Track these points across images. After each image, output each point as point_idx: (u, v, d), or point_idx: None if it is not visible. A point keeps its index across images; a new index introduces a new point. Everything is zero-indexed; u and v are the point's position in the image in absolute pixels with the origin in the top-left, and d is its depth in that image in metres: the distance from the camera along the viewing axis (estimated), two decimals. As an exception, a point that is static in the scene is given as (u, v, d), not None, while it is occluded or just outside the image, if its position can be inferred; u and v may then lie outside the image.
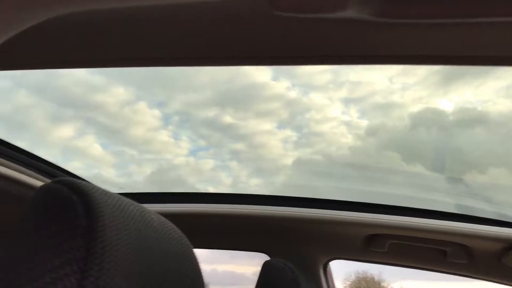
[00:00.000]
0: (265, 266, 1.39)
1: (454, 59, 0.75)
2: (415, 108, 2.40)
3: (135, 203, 0.60)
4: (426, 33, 0.69)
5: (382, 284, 2.84)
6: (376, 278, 2.82)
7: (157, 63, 0.87)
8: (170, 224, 0.66)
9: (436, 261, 1.62)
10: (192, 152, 2.77)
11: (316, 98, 2.56)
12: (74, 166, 2.76)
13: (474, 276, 1.61)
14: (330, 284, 1.75)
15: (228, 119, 2.67)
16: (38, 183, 1.47)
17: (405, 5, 0.61)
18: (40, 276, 0.45)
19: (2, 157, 1.36)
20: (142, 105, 2.67)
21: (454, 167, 2.30)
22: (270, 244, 1.80)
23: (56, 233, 0.47)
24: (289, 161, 2.70)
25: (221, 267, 2.97)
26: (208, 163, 2.81)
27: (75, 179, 0.52)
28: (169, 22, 0.74)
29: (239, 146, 2.80)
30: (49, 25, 0.51)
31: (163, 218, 0.65)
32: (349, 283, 2.86)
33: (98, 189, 0.53)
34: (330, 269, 1.79)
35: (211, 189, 2.87)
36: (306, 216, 1.65)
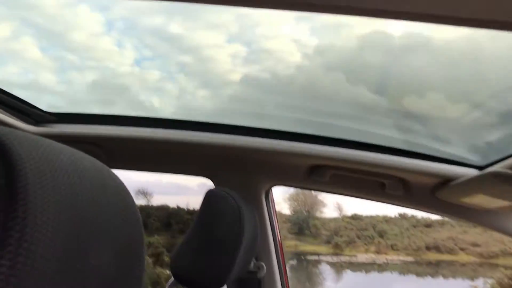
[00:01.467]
0: (208, 194, 1.37)
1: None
2: (365, 30, 2.40)
3: (66, 149, 0.52)
4: None
5: (319, 198, 2.99)
6: (313, 192, 2.97)
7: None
8: (106, 171, 0.60)
9: (374, 192, 1.73)
10: (137, 62, 2.69)
11: (268, 13, 2.49)
12: (9, 70, 2.62)
13: (409, 206, 1.75)
14: (272, 209, 1.84)
15: (175, 28, 2.57)
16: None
17: None
18: None
19: None
20: (83, 8, 2.52)
21: (395, 91, 2.37)
22: (215, 170, 1.84)
23: None
24: (236, 77, 2.68)
25: (165, 178, 3.02)
26: (154, 74, 2.75)
27: None
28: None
29: (186, 58, 2.73)
30: None
31: (98, 164, 0.59)
32: (287, 195, 2.99)
33: (22, 137, 0.46)
34: (272, 194, 1.86)
35: (156, 101, 2.83)
36: (250, 145, 1.69)
